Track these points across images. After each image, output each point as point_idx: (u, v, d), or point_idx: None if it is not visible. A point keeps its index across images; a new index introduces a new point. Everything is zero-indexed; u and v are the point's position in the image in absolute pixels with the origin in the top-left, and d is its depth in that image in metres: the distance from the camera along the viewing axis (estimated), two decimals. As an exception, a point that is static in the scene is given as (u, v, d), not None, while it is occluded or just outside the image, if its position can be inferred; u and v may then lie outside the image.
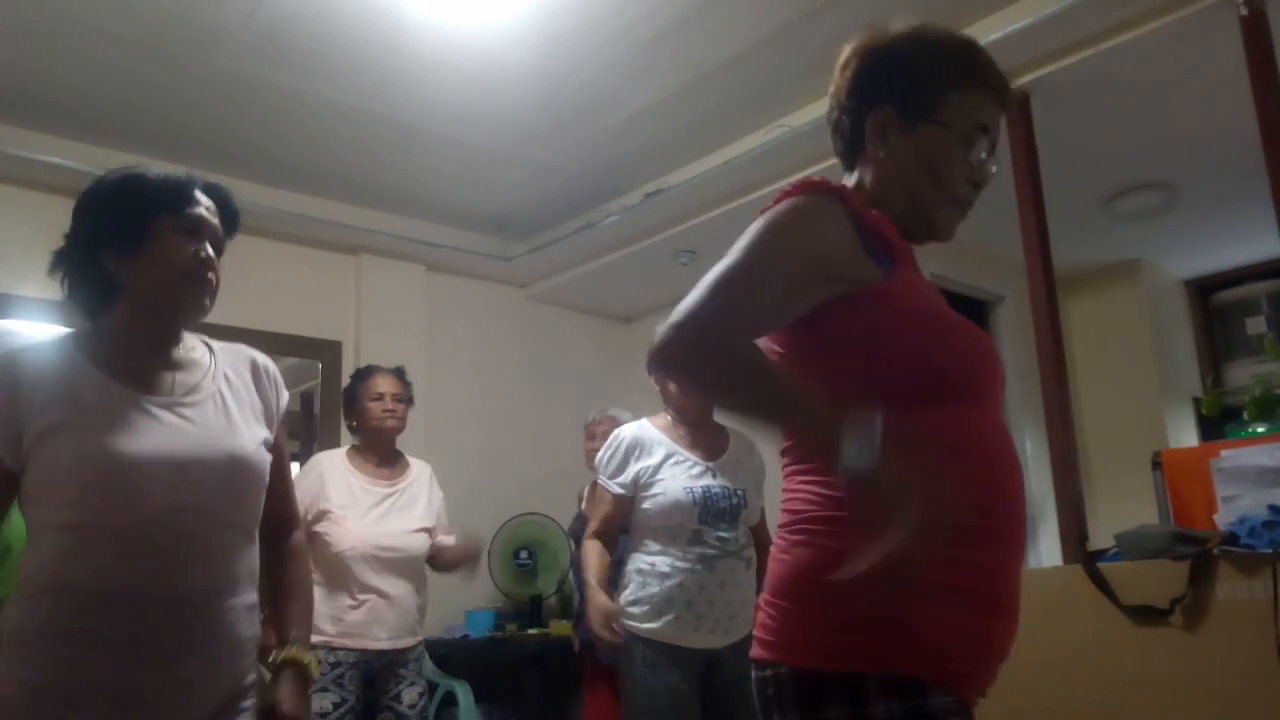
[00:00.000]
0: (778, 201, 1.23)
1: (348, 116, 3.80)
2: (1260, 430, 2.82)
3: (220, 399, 1.54)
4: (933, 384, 1.17)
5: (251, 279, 4.34)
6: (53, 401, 1.41)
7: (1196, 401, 4.82)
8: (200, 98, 3.64)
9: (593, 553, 2.69)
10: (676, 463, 2.64)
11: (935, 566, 1.05)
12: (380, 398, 3.16)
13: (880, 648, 1.10)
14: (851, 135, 1.31)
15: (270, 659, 1.57)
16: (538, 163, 4.27)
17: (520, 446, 5.05)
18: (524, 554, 4.59)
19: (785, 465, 1.27)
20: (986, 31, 3.15)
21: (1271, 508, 2.43)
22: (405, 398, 3.23)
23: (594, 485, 3.07)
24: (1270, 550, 2.31)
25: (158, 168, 1.54)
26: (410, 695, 3.00)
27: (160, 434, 1.44)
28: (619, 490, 2.67)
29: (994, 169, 1.28)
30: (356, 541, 2.96)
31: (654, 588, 2.55)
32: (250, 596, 1.52)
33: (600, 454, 2.77)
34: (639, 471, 2.64)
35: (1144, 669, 2.41)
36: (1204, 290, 5.36)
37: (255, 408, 1.59)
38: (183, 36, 3.25)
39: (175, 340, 1.56)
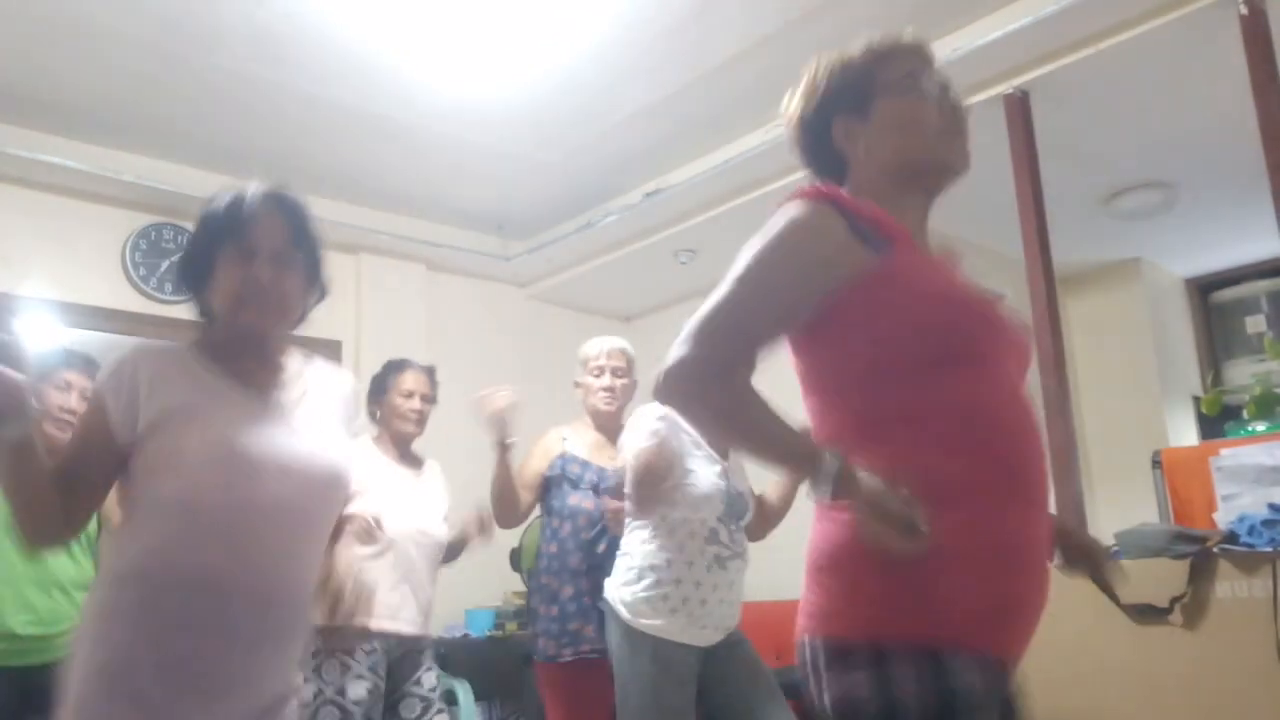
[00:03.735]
0: (776, 207, 1.30)
1: (348, 116, 3.80)
2: (1260, 429, 2.82)
3: (318, 413, 1.63)
4: (934, 353, 1.22)
5: (252, 279, 4.35)
6: (173, 386, 1.51)
7: (1196, 400, 4.82)
8: (201, 97, 3.64)
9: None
10: (704, 456, 2.61)
11: (950, 533, 1.12)
12: (410, 395, 3.16)
13: (900, 618, 1.15)
14: (822, 157, 1.43)
15: None
16: (538, 163, 4.27)
17: (519, 445, 5.04)
18: None
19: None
20: (986, 31, 3.15)
21: (1271, 506, 2.43)
22: (432, 398, 3.24)
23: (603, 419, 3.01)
24: (1270, 549, 2.32)
25: (231, 193, 1.60)
26: (430, 679, 3.00)
27: (270, 432, 1.53)
28: (654, 441, 2.51)
29: (954, 94, 1.41)
30: (401, 524, 2.93)
31: (668, 586, 2.51)
32: (310, 600, 1.61)
33: (650, 413, 2.58)
34: (681, 460, 2.56)
35: (1144, 667, 2.41)
36: (1204, 289, 5.36)
37: (343, 420, 1.70)
38: (183, 36, 3.25)
39: (268, 351, 1.64)
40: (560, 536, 2.95)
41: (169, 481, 1.46)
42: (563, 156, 4.22)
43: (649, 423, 2.57)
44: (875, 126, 1.38)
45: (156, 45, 3.29)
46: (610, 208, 4.59)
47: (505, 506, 3.02)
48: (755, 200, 4.11)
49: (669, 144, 4.13)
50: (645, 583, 2.53)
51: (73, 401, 2.64)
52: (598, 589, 2.72)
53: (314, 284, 1.65)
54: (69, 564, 2.65)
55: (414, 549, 2.98)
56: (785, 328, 1.27)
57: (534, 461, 3.07)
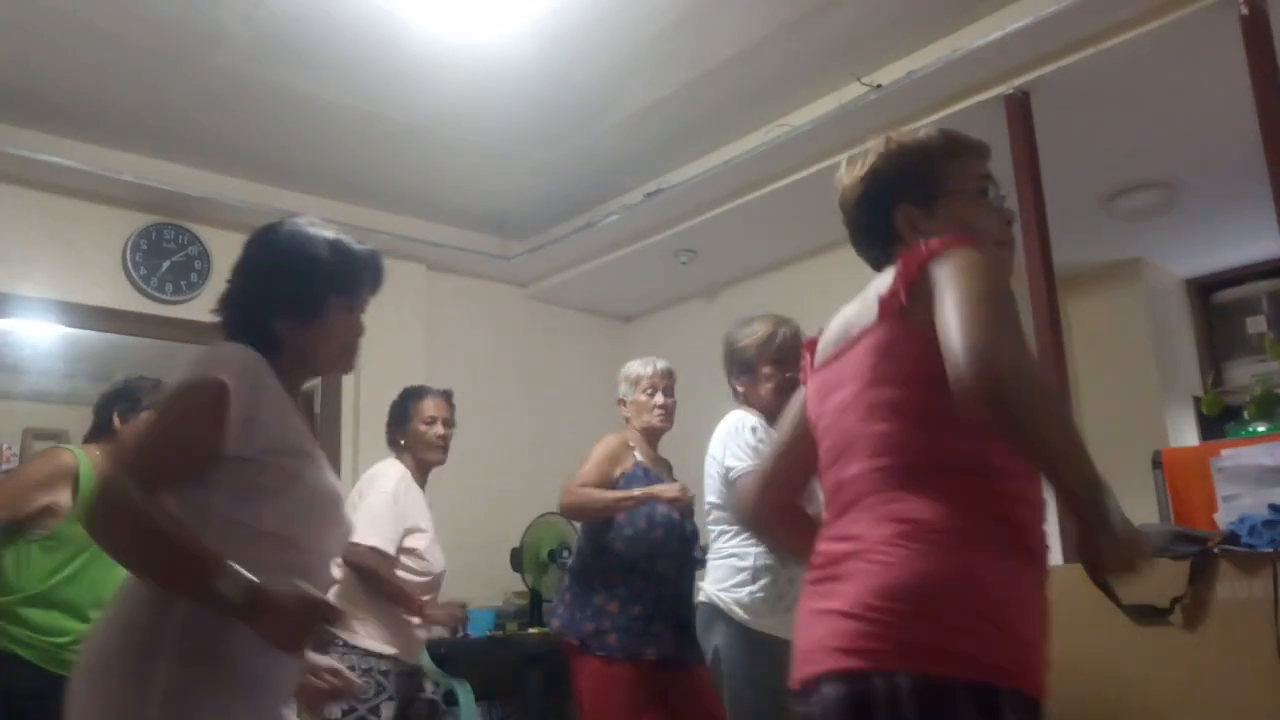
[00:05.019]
0: (943, 246, 1.31)
1: (348, 116, 3.80)
2: (1260, 429, 2.82)
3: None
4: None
5: (252, 279, 4.35)
6: (277, 413, 1.51)
7: (1197, 401, 4.81)
8: (200, 97, 3.64)
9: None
10: None
11: (1037, 590, 1.23)
12: (433, 422, 3.20)
13: (1013, 664, 1.17)
14: (874, 231, 1.51)
15: None
16: (538, 162, 4.27)
17: (519, 445, 5.05)
18: (565, 552, 4.66)
19: (886, 472, 1.30)
20: (986, 31, 3.15)
21: (1272, 507, 2.43)
22: (452, 421, 3.28)
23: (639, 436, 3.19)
24: (1270, 549, 2.31)
25: (325, 237, 1.65)
26: (429, 685, 3.26)
27: (329, 473, 1.61)
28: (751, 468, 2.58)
29: (1009, 206, 1.50)
30: (439, 561, 3.14)
31: (782, 586, 2.55)
32: None
33: (739, 427, 2.68)
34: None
35: (1144, 668, 2.41)
36: (1204, 289, 5.35)
37: None
38: (183, 36, 3.25)
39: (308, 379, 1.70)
40: (640, 536, 3.00)
41: (272, 513, 1.47)
42: (563, 156, 4.22)
43: (746, 435, 2.67)
44: (938, 221, 1.44)
45: (157, 45, 3.29)
46: (610, 208, 4.59)
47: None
48: (755, 200, 4.11)
49: (669, 144, 4.13)
50: (761, 583, 2.57)
51: None
52: (669, 593, 2.87)
53: None
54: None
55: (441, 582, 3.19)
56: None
57: (607, 466, 3.11)
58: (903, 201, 1.46)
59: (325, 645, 1.61)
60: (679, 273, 4.92)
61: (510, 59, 3.46)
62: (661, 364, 3.26)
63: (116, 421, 2.71)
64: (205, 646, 1.39)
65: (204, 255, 4.17)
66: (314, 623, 1.38)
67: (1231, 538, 2.40)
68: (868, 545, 1.25)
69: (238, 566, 1.32)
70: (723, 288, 5.15)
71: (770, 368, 2.77)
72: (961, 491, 1.23)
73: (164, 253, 4.11)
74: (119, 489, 1.36)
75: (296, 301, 1.58)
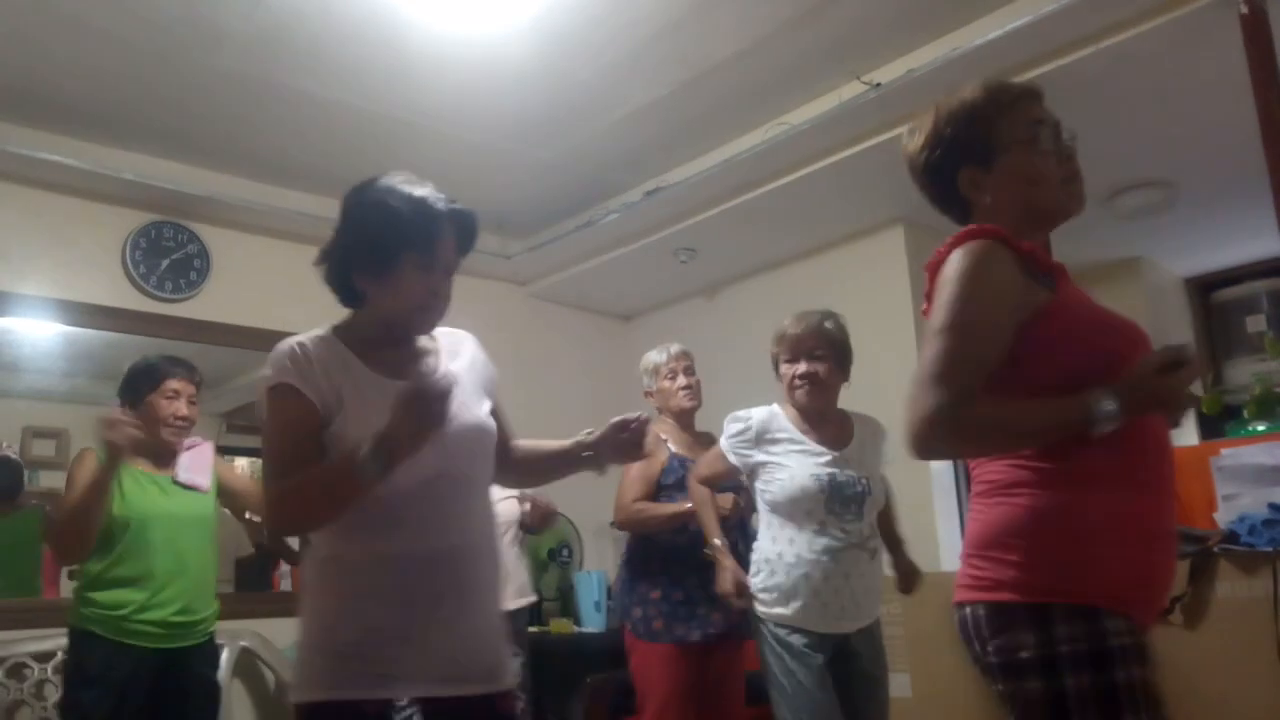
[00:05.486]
0: (948, 250, 1.45)
1: (348, 115, 3.80)
2: (1260, 428, 2.82)
3: (456, 377, 1.70)
4: (1100, 372, 1.37)
5: (252, 278, 4.35)
6: (335, 380, 1.63)
7: (1197, 400, 4.82)
8: (201, 97, 3.64)
9: (708, 503, 2.87)
10: (803, 450, 2.68)
11: (1103, 514, 1.34)
12: None
13: (1063, 582, 1.33)
14: (946, 197, 1.57)
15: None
16: (538, 161, 4.27)
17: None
18: (565, 552, 4.68)
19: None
20: (986, 30, 3.15)
21: (1271, 506, 2.44)
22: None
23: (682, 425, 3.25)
24: (1270, 548, 2.32)
25: (409, 193, 1.68)
26: None
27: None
28: (735, 461, 2.77)
29: (1068, 136, 1.52)
30: None
31: (780, 576, 2.62)
32: (492, 547, 1.73)
33: (731, 424, 2.81)
34: (763, 460, 2.71)
35: (1144, 667, 2.41)
36: (1204, 288, 5.36)
37: (478, 383, 1.81)
38: (183, 35, 3.24)
39: (409, 340, 1.77)
40: (682, 527, 3.08)
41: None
42: (563, 155, 4.22)
43: (723, 441, 2.81)
44: (1000, 178, 1.50)
45: (157, 45, 3.29)
46: (610, 206, 4.59)
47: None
48: (755, 200, 4.11)
49: (669, 142, 4.13)
50: (762, 574, 2.69)
51: (183, 408, 2.87)
52: (712, 578, 2.92)
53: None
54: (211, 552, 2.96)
55: None
56: (997, 349, 1.39)
57: (647, 470, 3.16)
58: (964, 165, 1.51)
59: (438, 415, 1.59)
60: (679, 271, 4.92)
61: (510, 57, 3.46)
62: (675, 347, 3.34)
63: (123, 410, 2.82)
64: (324, 633, 1.64)
65: (204, 254, 4.17)
66: (418, 411, 1.48)
67: (1231, 537, 2.41)
68: (972, 503, 1.49)
69: (358, 449, 1.49)
70: (722, 286, 5.15)
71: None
72: (1051, 453, 1.38)
73: (164, 251, 4.10)
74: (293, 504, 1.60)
75: (371, 256, 1.64)
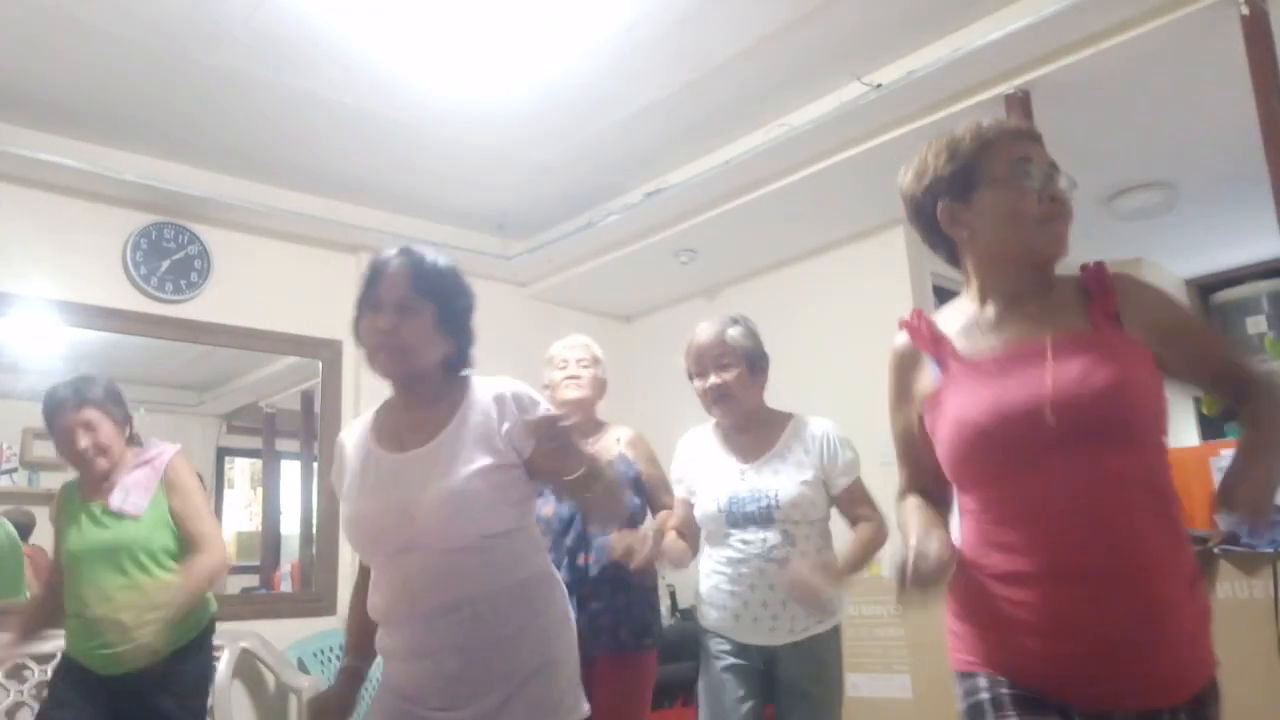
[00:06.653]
0: None
1: (348, 116, 3.80)
2: (1260, 429, 2.81)
3: (452, 438, 1.75)
4: (960, 475, 1.47)
5: (252, 278, 4.35)
6: (347, 466, 1.85)
7: (1197, 401, 4.81)
8: (200, 97, 3.64)
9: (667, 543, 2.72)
10: (714, 468, 2.66)
11: (963, 594, 1.46)
12: None
13: (966, 653, 1.48)
14: (933, 235, 1.58)
15: None
16: (538, 162, 4.27)
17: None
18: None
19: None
20: (986, 31, 3.15)
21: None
22: None
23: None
24: (1271, 550, 2.32)
25: (380, 256, 1.88)
26: None
27: (392, 488, 1.73)
28: (683, 494, 2.76)
29: (1062, 181, 1.50)
30: None
31: (705, 584, 2.64)
32: (499, 598, 1.72)
33: (673, 464, 2.82)
34: (693, 486, 2.72)
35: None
36: (1205, 290, 5.36)
37: (485, 437, 1.76)
38: (184, 36, 3.25)
39: (415, 397, 1.82)
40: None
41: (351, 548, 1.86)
42: (563, 156, 4.22)
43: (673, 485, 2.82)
44: (977, 214, 1.49)
45: (157, 45, 3.29)
46: (611, 207, 4.59)
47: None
48: (756, 201, 4.11)
49: (669, 144, 4.13)
50: (700, 582, 2.68)
51: (82, 440, 2.72)
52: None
53: (451, 327, 1.85)
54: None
55: None
56: (923, 452, 1.55)
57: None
58: (942, 198, 1.51)
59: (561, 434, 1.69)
60: (679, 272, 4.92)
61: (510, 58, 3.46)
62: (574, 339, 3.37)
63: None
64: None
65: (204, 254, 4.17)
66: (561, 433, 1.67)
67: (1231, 538, 2.41)
68: None
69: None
70: (723, 287, 5.15)
71: None
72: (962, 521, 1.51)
73: (164, 252, 4.10)
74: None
75: (356, 327, 1.87)
